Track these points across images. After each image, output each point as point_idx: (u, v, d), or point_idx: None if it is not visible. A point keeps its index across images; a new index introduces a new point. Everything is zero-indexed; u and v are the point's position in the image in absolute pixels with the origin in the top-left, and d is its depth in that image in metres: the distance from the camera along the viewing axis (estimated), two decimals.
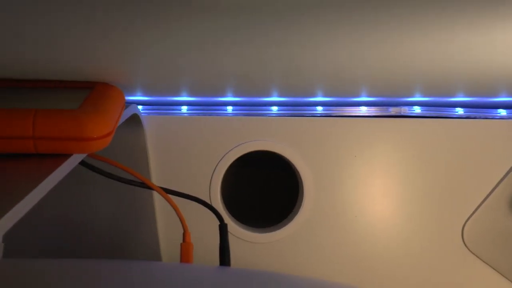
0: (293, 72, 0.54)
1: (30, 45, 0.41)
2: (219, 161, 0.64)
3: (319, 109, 0.67)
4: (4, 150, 0.41)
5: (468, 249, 0.67)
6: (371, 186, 0.67)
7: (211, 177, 0.65)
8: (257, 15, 0.33)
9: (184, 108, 0.65)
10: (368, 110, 0.67)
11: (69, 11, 0.32)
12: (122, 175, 0.51)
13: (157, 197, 0.64)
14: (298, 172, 0.66)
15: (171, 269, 0.39)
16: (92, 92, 0.48)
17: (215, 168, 0.65)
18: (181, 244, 0.50)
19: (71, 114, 0.42)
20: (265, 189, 0.83)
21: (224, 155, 0.65)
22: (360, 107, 0.67)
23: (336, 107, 0.67)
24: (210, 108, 0.66)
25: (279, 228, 0.67)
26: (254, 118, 0.66)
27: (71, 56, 0.45)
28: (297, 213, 0.66)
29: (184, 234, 0.50)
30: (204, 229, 0.59)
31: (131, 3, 0.30)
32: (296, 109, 0.67)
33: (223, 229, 0.51)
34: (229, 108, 0.66)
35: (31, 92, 0.48)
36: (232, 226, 0.65)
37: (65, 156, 0.42)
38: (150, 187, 0.50)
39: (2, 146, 0.41)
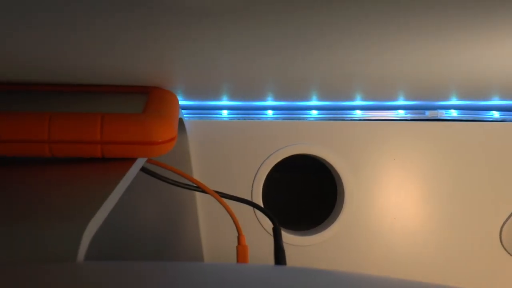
0: (336, 76, 0.55)
1: (87, 52, 0.41)
2: (261, 165, 0.65)
3: (358, 113, 0.68)
4: (71, 154, 0.41)
5: (507, 251, 0.67)
6: (409, 189, 0.67)
7: (253, 181, 0.65)
8: (299, 21, 0.33)
9: (225, 113, 0.66)
10: (406, 114, 0.68)
11: (125, 18, 0.32)
12: (175, 179, 0.51)
13: (199, 200, 0.65)
14: (338, 175, 0.66)
15: (239, 269, 0.39)
16: (150, 96, 0.48)
17: (257, 172, 0.65)
18: (237, 247, 0.50)
19: (138, 119, 0.42)
20: (297, 193, 0.83)
21: (266, 159, 0.65)
22: (398, 111, 0.68)
23: (375, 111, 0.67)
24: (250, 112, 0.66)
25: (319, 231, 0.67)
26: (294, 122, 0.66)
27: (127, 62, 0.45)
28: (337, 216, 0.66)
29: (239, 237, 0.50)
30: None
31: (186, 11, 0.31)
32: (335, 113, 0.67)
33: (277, 231, 0.52)
34: (269, 112, 0.67)
35: (87, 97, 0.48)
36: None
37: (131, 160, 0.43)
38: (205, 191, 0.51)
39: (69, 150, 0.41)
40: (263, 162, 0.65)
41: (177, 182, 0.51)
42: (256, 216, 0.64)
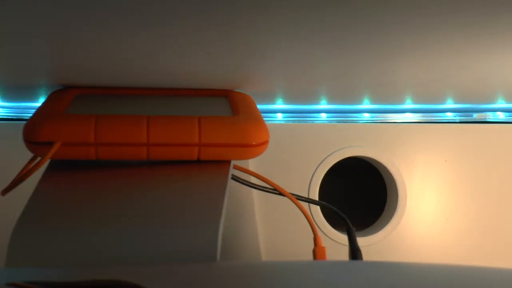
0: (389, 80, 0.56)
1: (170, 57, 0.41)
2: (316, 168, 0.65)
3: (409, 116, 0.69)
4: (167, 157, 0.42)
5: None
6: (460, 190, 0.68)
7: (310, 184, 0.65)
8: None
9: (279, 116, 0.66)
10: (454, 116, 0.69)
11: (207, 28, 0.33)
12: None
13: (256, 199, 0.65)
14: (392, 177, 0.67)
15: (332, 266, 0.40)
16: (230, 99, 0.48)
17: (312, 175, 0.65)
18: (314, 249, 0.50)
19: (234, 121, 0.42)
20: (344, 195, 0.84)
21: (321, 162, 0.66)
22: (446, 113, 0.69)
23: (424, 113, 0.69)
24: (304, 115, 0.67)
25: (372, 233, 0.68)
26: (347, 125, 0.67)
27: (211, 66, 0.45)
28: (390, 218, 0.67)
29: (315, 239, 0.51)
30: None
31: (266, 20, 0.31)
32: (387, 115, 0.68)
33: (351, 232, 0.52)
34: (323, 115, 0.67)
35: (170, 101, 0.48)
36: (330, 230, 0.66)
37: (226, 162, 0.43)
38: (282, 194, 0.51)
39: (167, 153, 0.41)
40: (318, 165, 0.65)
41: (253, 184, 0.51)
42: (313, 217, 0.65)
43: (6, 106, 0.63)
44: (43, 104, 0.44)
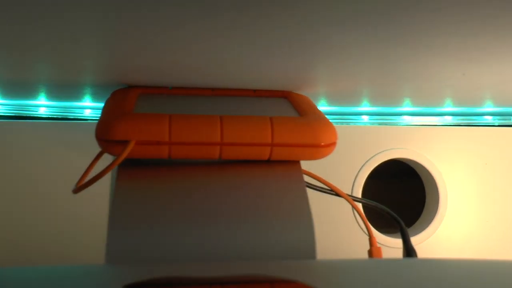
0: (425, 84, 0.56)
1: (233, 58, 0.42)
2: (359, 171, 0.66)
3: (448, 118, 0.69)
4: (239, 156, 0.42)
5: None
6: (501, 192, 0.69)
7: (352, 186, 0.66)
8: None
9: None
10: (493, 120, 0.70)
11: (269, 29, 0.33)
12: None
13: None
14: (433, 179, 0.68)
15: (397, 264, 0.40)
16: (291, 100, 0.48)
17: (355, 177, 0.66)
18: (370, 249, 0.50)
19: (305, 122, 0.43)
20: (379, 196, 0.84)
21: (363, 165, 0.66)
22: (485, 117, 0.70)
23: (464, 116, 0.69)
24: (346, 117, 0.67)
25: (412, 235, 0.68)
26: (387, 128, 0.67)
27: (268, 67, 0.46)
28: (431, 219, 0.68)
29: (370, 240, 0.51)
30: None
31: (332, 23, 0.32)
32: (427, 119, 0.69)
33: (404, 232, 0.53)
34: (365, 118, 0.68)
35: (231, 101, 0.48)
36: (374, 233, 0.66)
37: (295, 162, 0.43)
38: (338, 194, 0.51)
39: (239, 153, 0.41)
40: (361, 167, 0.66)
41: (311, 185, 0.51)
42: (355, 217, 0.65)
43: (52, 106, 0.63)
44: (110, 103, 0.44)
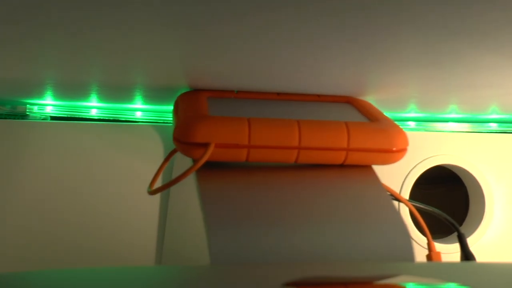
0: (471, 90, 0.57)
1: (298, 62, 0.42)
2: (406, 177, 0.66)
3: (493, 125, 0.70)
4: (315, 161, 0.42)
5: None
6: None
7: (400, 192, 0.66)
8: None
9: None
10: None
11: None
12: None
13: None
14: (479, 186, 0.68)
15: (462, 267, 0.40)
16: (357, 106, 0.49)
17: (402, 184, 0.66)
18: (428, 254, 0.51)
19: (378, 127, 0.43)
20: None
21: (410, 171, 0.66)
22: None
23: (509, 124, 0.70)
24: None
25: (455, 241, 0.68)
26: (433, 134, 0.68)
27: (334, 73, 0.46)
28: (476, 226, 0.68)
29: (429, 245, 0.51)
30: None
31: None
32: (472, 125, 0.69)
33: (462, 237, 0.53)
34: (411, 124, 0.68)
35: (298, 105, 0.49)
36: (418, 237, 0.67)
37: (368, 167, 0.43)
38: (398, 200, 0.52)
39: (315, 157, 0.42)
40: (408, 174, 0.66)
41: None
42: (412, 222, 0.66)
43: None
44: (183, 105, 0.44)
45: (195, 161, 0.40)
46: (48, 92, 0.61)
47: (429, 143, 0.67)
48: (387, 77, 0.50)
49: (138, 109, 0.63)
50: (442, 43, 0.35)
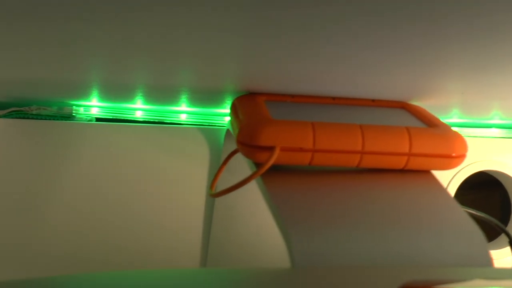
0: None
1: (356, 68, 0.42)
2: (449, 183, 0.66)
3: None
4: (376, 165, 0.42)
5: None
6: None
7: None
8: None
9: None
10: None
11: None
12: None
13: None
14: None
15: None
16: (411, 111, 0.49)
17: (446, 189, 0.66)
18: None
19: (438, 133, 0.43)
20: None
21: (453, 177, 0.66)
22: None
23: None
24: None
25: (498, 247, 0.68)
26: (475, 139, 0.68)
27: (388, 79, 0.46)
28: None
29: None
30: None
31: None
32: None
33: None
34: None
35: (354, 109, 0.49)
36: None
37: (427, 172, 0.43)
38: None
39: (377, 161, 0.42)
40: (451, 180, 0.66)
41: None
42: None
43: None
44: (243, 109, 0.45)
45: (257, 164, 0.41)
46: (94, 93, 0.61)
47: (472, 149, 0.67)
48: (439, 83, 0.50)
49: (183, 111, 0.63)
50: (493, 47, 0.35)
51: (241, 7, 0.27)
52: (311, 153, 0.40)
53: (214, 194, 0.43)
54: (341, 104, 0.49)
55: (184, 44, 0.36)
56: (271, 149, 0.40)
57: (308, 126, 0.40)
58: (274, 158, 0.39)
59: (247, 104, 0.45)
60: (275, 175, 0.41)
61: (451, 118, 0.67)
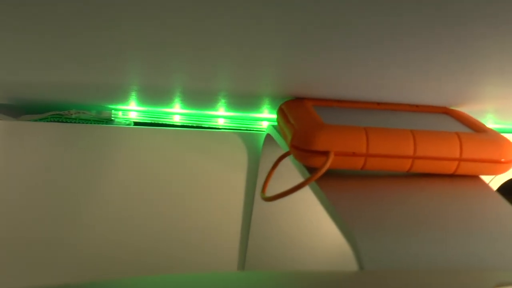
0: None
1: (403, 75, 0.43)
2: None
3: None
4: (427, 170, 0.43)
5: None
6: None
7: None
8: None
9: None
10: None
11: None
12: None
13: None
14: None
15: None
16: (455, 116, 0.49)
17: None
18: None
19: (488, 138, 0.43)
20: None
21: (491, 181, 0.66)
22: None
23: None
24: None
25: None
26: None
27: (433, 84, 0.47)
28: None
29: None
30: None
31: None
32: None
33: None
34: None
35: (399, 115, 0.49)
36: None
37: (476, 177, 0.44)
38: None
39: (428, 166, 0.42)
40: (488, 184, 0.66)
41: None
42: None
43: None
44: (295, 114, 0.45)
45: (310, 169, 0.41)
46: (132, 97, 0.62)
47: None
48: (481, 89, 0.50)
49: (221, 116, 0.64)
50: None
51: (297, 7, 0.27)
52: (364, 158, 0.41)
53: (267, 198, 0.43)
54: (386, 109, 0.49)
55: (229, 49, 0.36)
56: (325, 153, 0.40)
57: (362, 131, 0.41)
58: (330, 163, 0.40)
59: (296, 109, 0.46)
60: (328, 179, 0.41)
61: (485, 123, 0.68)
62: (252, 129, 0.64)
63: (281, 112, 0.48)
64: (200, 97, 0.60)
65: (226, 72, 0.47)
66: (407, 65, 0.41)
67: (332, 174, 0.42)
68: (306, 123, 0.42)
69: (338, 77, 0.46)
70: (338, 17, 0.28)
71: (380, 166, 0.42)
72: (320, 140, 0.40)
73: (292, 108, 0.47)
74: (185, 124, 0.65)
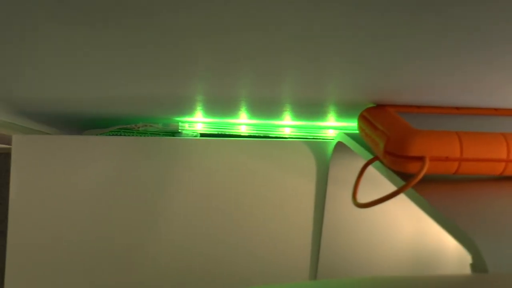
0: None
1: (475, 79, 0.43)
2: None
3: None
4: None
5: None
6: None
7: None
8: None
9: None
10: None
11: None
12: None
13: None
14: None
15: None
16: None
17: None
18: None
19: None
20: None
21: None
22: None
23: None
24: None
25: None
26: None
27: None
28: None
29: None
30: None
31: None
32: None
33: None
34: None
35: (478, 119, 0.49)
36: None
37: None
38: None
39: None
40: None
41: None
42: None
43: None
44: (382, 121, 0.46)
45: (403, 174, 0.42)
46: (198, 108, 0.63)
47: None
48: None
49: (287, 125, 0.65)
50: None
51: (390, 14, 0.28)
52: (457, 162, 0.41)
53: (361, 204, 0.44)
54: (465, 113, 0.50)
55: (338, 59, 0.37)
56: (419, 159, 0.41)
57: (454, 136, 0.41)
58: (426, 168, 0.40)
59: (382, 116, 0.46)
60: (422, 184, 0.41)
61: None
62: (318, 137, 0.65)
63: (364, 120, 0.48)
64: (265, 108, 0.60)
65: (330, 81, 0.48)
66: (498, 75, 0.41)
67: (424, 179, 0.43)
68: (399, 130, 0.43)
69: (428, 83, 0.46)
70: (468, 21, 0.29)
71: (474, 170, 0.42)
72: (415, 146, 0.41)
73: (377, 115, 0.47)
74: (251, 134, 0.66)
